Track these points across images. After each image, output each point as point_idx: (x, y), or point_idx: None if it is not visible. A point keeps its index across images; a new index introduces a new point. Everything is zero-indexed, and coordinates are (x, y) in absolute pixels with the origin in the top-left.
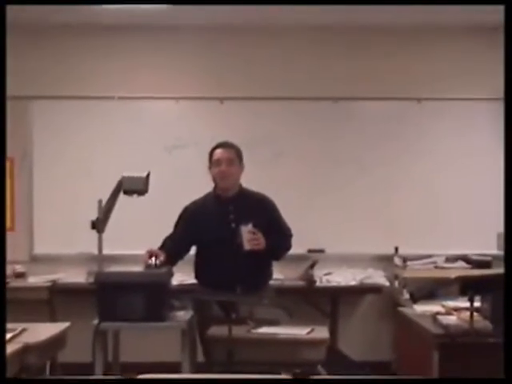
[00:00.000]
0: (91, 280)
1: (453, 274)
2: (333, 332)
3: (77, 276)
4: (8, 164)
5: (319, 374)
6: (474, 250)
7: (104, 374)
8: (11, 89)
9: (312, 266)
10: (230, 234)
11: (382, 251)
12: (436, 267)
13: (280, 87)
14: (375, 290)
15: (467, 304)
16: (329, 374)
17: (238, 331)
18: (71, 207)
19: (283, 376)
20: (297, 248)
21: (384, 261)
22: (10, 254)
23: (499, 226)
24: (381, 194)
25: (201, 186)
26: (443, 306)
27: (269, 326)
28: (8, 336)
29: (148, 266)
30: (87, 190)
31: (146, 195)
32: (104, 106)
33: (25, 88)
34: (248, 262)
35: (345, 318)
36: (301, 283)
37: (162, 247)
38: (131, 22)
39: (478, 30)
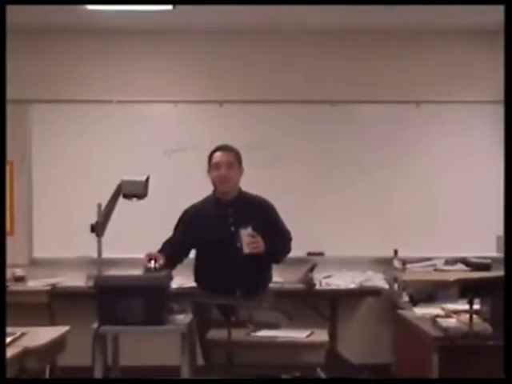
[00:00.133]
0: (91, 284)
1: (452, 277)
2: (332, 335)
3: (76, 280)
4: (7, 167)
5: (319, 377)
6: (473, 253)
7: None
8: (10, 92)
9: (311, 269)
10: (230, 237)
11: (382, 254)
12: (435, 270)
13: (279, 90)
14: (375, 292)
15: (467, 306)
16: (328, 377)
17: (238, 334)
18: (70, 211)
19: (283, 378)
20: (296, 251)
21: (383, 263)
22: (9, 258)
23: (498, 228)
24: (380, 196)
25: (200, 189)
26: (443, 309)
27: (268, 330)
28: (8, 340)
29: (147, 270)
30: (86, 194)
31: (146, 199)
32: (103, 110)
33: (24, 91)
34: (247, 265)
35: (344, 321)
36: (300, 286)
37: (162, 251)
38: (130, 26)
39: (477, 32)
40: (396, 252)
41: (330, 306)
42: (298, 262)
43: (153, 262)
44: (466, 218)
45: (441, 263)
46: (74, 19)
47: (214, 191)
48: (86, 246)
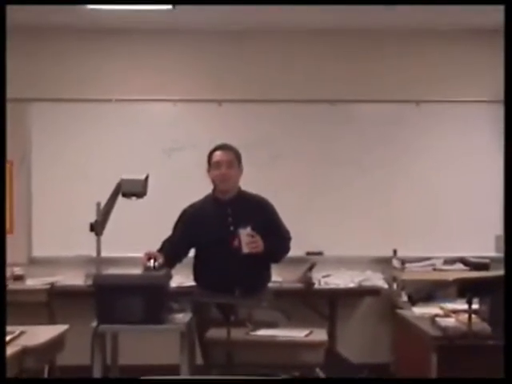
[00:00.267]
0: (90, 282)
1: (451, 276)
2: (331, 334)
3: (75, 278)
4: (7, 166)
5: (318, 377)
6: (472, 253)
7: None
8: (9, 91)
9: (310, 269)
10: (229, 236)
11: (381, 253)
12: (434, 269)
13: (278, 89)
14: (374, 292)
15: (465, 306)
16: (327, 377)
17: (237, 333)
18: (69, 210)
19: (282, 377)
20: (295, 250)
21: (382, 263)
22: (8, 257)
23: (497, 228)
24: (379, 196)
25: (199, 188)
26: (441, 308)
27: (267, 329)
28: (7, 339)
29: (147, 269)
30: (85, 193)
31: (145, 198)
32: (102, 109)
33: (23, 90)
34: (246, 264)
35: (343, 321)
36: (299, 285)
37: (161, 250)
38: (129, 25)
39: (477, 32)
40: (395, 251)
41: (329, 306)
42: (297, 261)
43: (152, 260)
44: (465, 217)
45: (440, 263)
46: (73, 18)
47: (214, 190)
48: (85, 245)
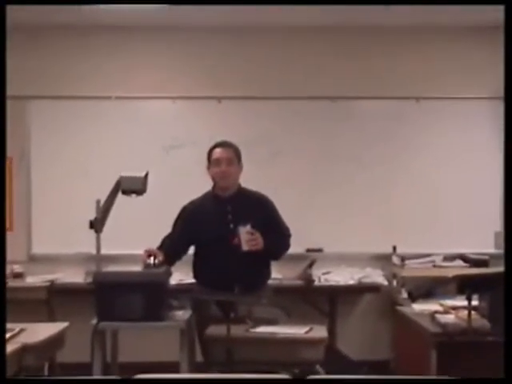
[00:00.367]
0: (89, 280)
1: (451, 273)
2: (331, 331)
3: (75, 276)
4: (6, 164)
5: (318, 374)
6: (471, 249)
7: (102, 375)
8: (9, 89)
9: (310, 266)
10: (228, 233)
11: (381, 250)
12: (434, 266)
13: (278, 86)
14: (373, 289)
15: (465, 303)
16: (327, 374)
17: (237, 331)
18: (69, 207)
19: (282, 376)
20: (295, 247)
21: (382, 260)
22: (7, 254)
23: (497, 224)
24: (379, 192)
25: (199, 185)
26: (441, 305)
27: (267, 326)
28: (6, 336)
29: (147, 266)
30: (85, 190)
31: (144, 195)
32: (101, 106)
33: (22, 88)
34: (246, 261)
35: (343, 317)
36: (299, 282)
37: (161, 247)
38: (128, 22)
39: (477, 29)
40: (395, 248)
41: (328, 302)
42: (297, 258)
43: (152, 258)
44: (464, 214)
45: (439, 259)
46: (73, 16)
47: (213, 187)
48: (85, 243)
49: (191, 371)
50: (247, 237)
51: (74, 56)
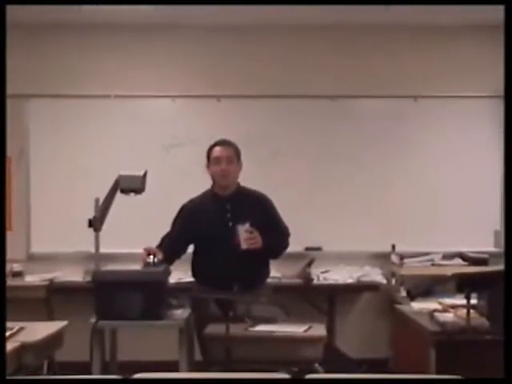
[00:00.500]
0: (88, 278)
1: (449, 272)
2: (330, 330)
3: (74, 274)
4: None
5: (316, 372)
6: (470, 248)
7: (101, 373)
8: (7, 87)
9: (309, 264)
10: (227, 232)
11: (379, 249)
12: (433, 264)
13: (277, 85)
14: (372, 287)
15: (464, 301)
16: (326, 372)
17: (236, 329)
18: (68, 206)
19: (281, 374)
20: (294, 246)
21: (381, 258)
22: (7, 253)
23: (496, 223)
24: (377, 191)
25: (198, 184)
26: (440, 304)
27: (266, 324)
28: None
29: (146, 264)
30: (84, 189)
31: (143, 194)
32: (101, 105)
33: (21, 86)
34: (245, 260)
35: (342, 316)
36: (298, 281)
37: (160, 246)
38: (128, 21)
39: (476, 27)
40: (394, 247)
41: (327, 301)
42: (296, 256)
43: (152, 256)
44: (463, 212)
45: (438, 258)
46: (72, 15)
47: (213, 186)
48: (84, 241)
49: (190, 370)
50: (246, 235)
51: (73, 54)
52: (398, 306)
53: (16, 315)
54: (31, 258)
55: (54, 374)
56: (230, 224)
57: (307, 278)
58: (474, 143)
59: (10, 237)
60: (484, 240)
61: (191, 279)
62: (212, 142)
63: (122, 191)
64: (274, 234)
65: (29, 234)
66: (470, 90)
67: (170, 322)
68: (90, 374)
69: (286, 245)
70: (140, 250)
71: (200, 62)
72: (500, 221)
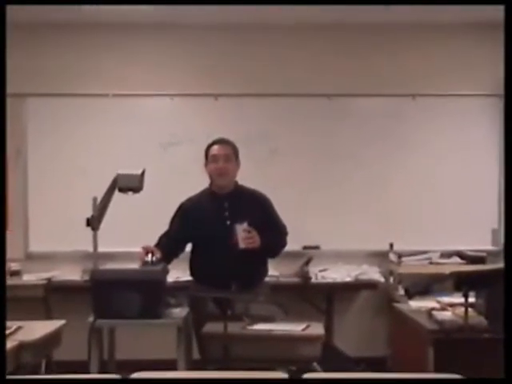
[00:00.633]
0: (86, 277)
1: (447, 270)
2: (328, 328)
3: (72, 273)
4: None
5: (315, 371)
6: (468, 246)
7: (99, 372)
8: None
9: (307, 263)
10: (225, 231)
11: (377, 247)
12: (431, 263)
13: (275, 84)
14: (370, 286)
15: (462, 300)
16: (324, 371)
17: (234, 328)
18: (66, 205)
19: (279, 373)
20: (292, 244)
21: (379, 257)
22: None
23: (494, 221)
24: (375, 190)
25: (196, 182)
26: (438, 302)
27: (264, 323)
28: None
29: (144, 263)
30: (82, 188)
31: (141, 192)
32: (99, 104)
33: (19, 85)
34: (243, 259)
35: (340, 314)
36: (296, 280)
37: (158, 244)
38: (126, 20)
39: (476, 26)
40: (392, 245)
41: (325, 300)
42: (294, 255)
43: (150, 255)
44: (461, 211)
45: (436, 256)
46: (71, 14)
47: (211, 185)
48: (82, 240)
49: (188, 369)
50: (244, 234)
51: (71, 53)
52: (396, 305)
53: (14, 314)
54: (29, 257)
55: (52, 373)
56: (228, 223)
57: (305, 277)
58: (472, 141)
59: (7, 236)
60: (482, 238)
61: (189, 278)
62: (210, 140)
63: (120, 190)
64: (272, 232)
65: (27, 233)
66: (469, 88)
67: (168, 321)
68: (88, 372)
69: (283, 244)
70: (138, 249)
71: (198, 60)
72: (498, 219)
